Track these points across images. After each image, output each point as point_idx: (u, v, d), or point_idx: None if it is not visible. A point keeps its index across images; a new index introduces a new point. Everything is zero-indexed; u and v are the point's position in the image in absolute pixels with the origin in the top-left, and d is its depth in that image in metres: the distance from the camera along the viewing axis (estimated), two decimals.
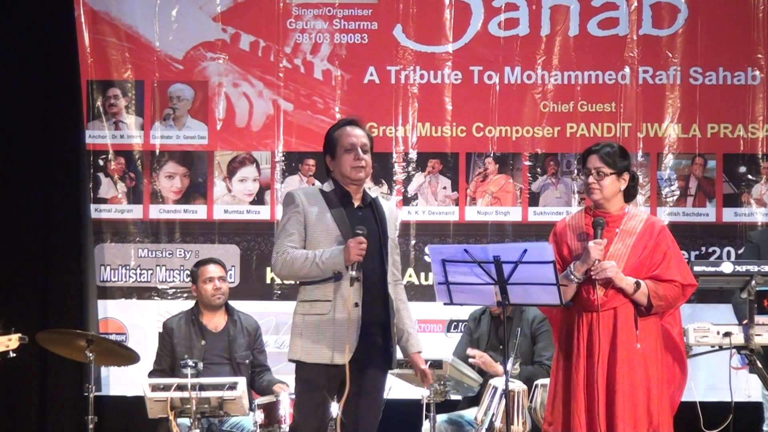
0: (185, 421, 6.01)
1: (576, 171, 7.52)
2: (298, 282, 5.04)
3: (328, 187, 5.05)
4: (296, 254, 4.90)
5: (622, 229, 5.07)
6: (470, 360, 6.37)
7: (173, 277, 7.64)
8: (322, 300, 4.91)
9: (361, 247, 4.79)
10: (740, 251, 7.35)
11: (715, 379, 6.89)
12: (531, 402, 5.92)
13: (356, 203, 5.02)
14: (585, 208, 5.21)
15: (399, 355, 5.15)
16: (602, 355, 4.95)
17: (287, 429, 5.88)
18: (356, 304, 4.85)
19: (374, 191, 5.24)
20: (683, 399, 6.61)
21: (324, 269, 4.85)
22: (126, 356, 6.41)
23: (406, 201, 7.62)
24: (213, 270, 6.72)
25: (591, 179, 5.07)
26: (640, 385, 4.96)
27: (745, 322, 5.43)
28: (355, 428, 4.93)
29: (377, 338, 4.93)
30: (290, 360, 4.98)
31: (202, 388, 5.93)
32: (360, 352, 4.85)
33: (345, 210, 4.97)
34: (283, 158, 7.67)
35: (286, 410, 5.92)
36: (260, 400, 6.18)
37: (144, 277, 7.64)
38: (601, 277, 4.93)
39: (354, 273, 4.80)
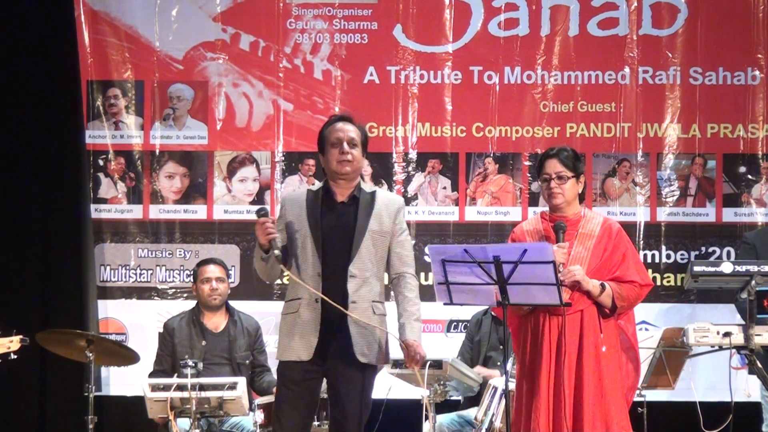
0: (185, 421, 6.02)
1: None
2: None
3: (316, 186, 5.11)
4: (256, 266, 5.05)
5: (581, 232, 5.11)
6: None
7: (173, 277, 7.64)
8: (294, 299, 4.98)
9: (263, 228, 4.87)
10: (739, 251, 7.35)
11: (715, 379, 6.90)
12: None
13: (341, 199, 5.04)
14: (541, 213, 5.25)
15: (401, 354, 5.15)
16: (569, 357, 4.96)
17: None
18: (316, 300, 4.90)
19: (369, 187, 5.21)
20: (683, 399, 6.65)
21: (258, 261, 4.98)
22: (126, 356, 6.41)
23: (406, 201, 7.60)
24: (211, 270, 6.72)
25: (553, 183, 5.09)
26: (606, 386, 4.98)
27: None
28: (332, 426, 4.98)
29: (334, 334, 4.92)
30: (276, 359, 5.09)
31: (202, 388, 5.93)
32: (323, 348, 4.89)
33: (326, 207, 5.01)
34: (283, 158, 7.67)
35: None
36: (260, 400, 6.19)
37: (144, 277, 7.64)
38: (570, 280, 4.94)
39: (277, 251, 4.87)
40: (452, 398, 6.31)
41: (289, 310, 4.99)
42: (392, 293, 5.09)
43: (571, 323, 4.99)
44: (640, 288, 5.09)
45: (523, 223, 5.33)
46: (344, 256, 4.94)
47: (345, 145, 5.01)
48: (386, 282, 5.12)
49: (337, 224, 4.97)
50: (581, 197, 5.22)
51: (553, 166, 5.11)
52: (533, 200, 7.58)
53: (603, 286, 5.01)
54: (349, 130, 5.05)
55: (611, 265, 5.08)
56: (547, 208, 5.25)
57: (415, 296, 5.05)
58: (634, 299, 5.10)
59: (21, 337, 5.80)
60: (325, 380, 5.03)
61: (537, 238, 5.14)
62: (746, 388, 6.26)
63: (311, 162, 7.61)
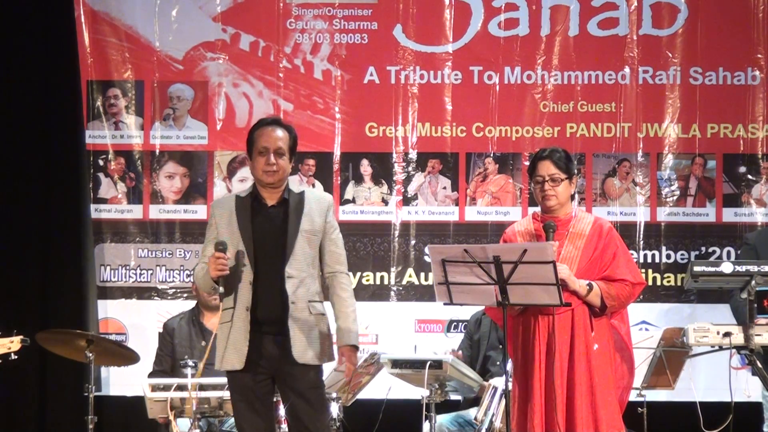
0: (185, 421, 6.02)
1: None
2: None
3: (245, 191, 5.08)
4: (196, 270, 5.06)
5: (572, 231, 5.12)
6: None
7: (173, 277, 7.64)
8: (228, 308, 4.96)
9: (218, 263, 4.82)
10: (740, 251, 7.36)
11: (715, 379, 6.90)
12: None
13: (271, 203, 5.02)
14: (533, 214, 5.27)
15: (400, 354, 5.15)
16: (560, 357, 4.97)
17: (287, 429, 5.88)
18: (247, 308, 4.89)
19: (299, 186, 5.18)
20: (683, 399, 6.65)
21: (206, 286, 4.98)
22: (126, 356, 6.40)
23: (406, 201, 7.62)
24: None
25: (547, 186, 5.10)
26: (597, 384, 4.99)
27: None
28: (297, 423, 4.95)
29: (272, 336, 4.91)
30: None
31: (202, 388, 5.93)
32: (256, 353, 4.88)
33: (255, 212, 4.98)
34: None
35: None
36: None
37: (144, 277, 7.64)
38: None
39: (221, 288, 4.86)
40: (452, 398, 6.32)
41: (223, 319, 4.98)
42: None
43: (561, 322, 5.00)
44: (632, 287, 5.09)
45: (515, 224, 5.34)
46: (279, 258, 4.92)
47: (271, 156, 4.96)
48: None
49: (268, 228, 4.96)
50: (572, 197, 5.24)
51: (546, 168, 5.12)
52: (533, 200, 7.56)
53: (590, 286, 5.02)
54: (278, 138, 4.99)
55: (602, 264, 5.09)
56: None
57: (349, 296, 5.04)
58: (625, 298, 5.10)
59: (21, 337, 5.79)
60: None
61: (528, 239, 5.15)
62: (746, 388, 6.26)
63: (311, 162, 7.61)
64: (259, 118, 7.55)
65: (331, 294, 5.04)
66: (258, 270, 4.91)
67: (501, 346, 6.44)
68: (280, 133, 5.01)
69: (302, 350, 4.90)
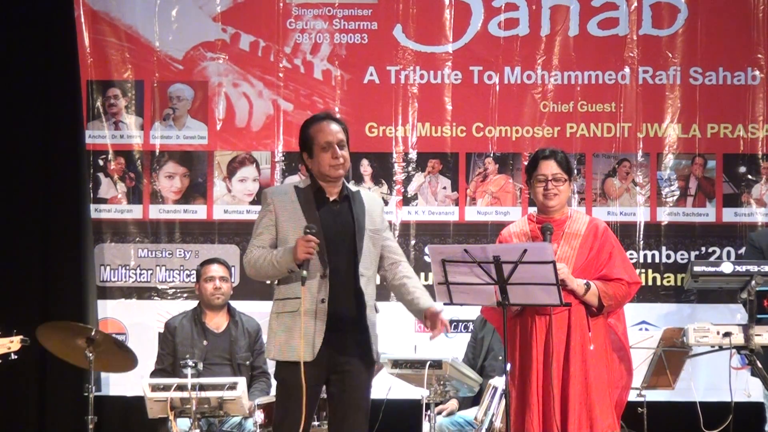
0: (185, 421, 6.02)
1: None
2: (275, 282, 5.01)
3: (303, 183, 5.01)
4: (257, 254, 4.90)
5: (567, 232, 5.12)
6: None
7: (173, 277, 7.64)
8: (292, 297, 4.87)
9: (309, 246, 4.73)
10: (740, 251, 7.36)
11: (715, 379, 6.89)
12: None
13: (332, 197, 4.97)
14: (528, 216, 5.28)
15: (401, 354, 5.15)
16: (557, 356, 4.97)
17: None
18: (323, 300, 4.82)
19: (352, 185, 5.18)
20: (683, 399, 6.65)
21: (279, 268, 4.83)
22: (125, 358, 6.37)
23: (406, 201, 7.62)
24: (215, 269, 6.74)
25: (551, 185, 5.10)
26: (592, 384, 4.99)
27: None
28: (341, 425, 4.90)
29: (349, 334, 4.88)
30: (269, 359, 5.03)
31: (202, 388, 5.93)
32: (331, 348, 4.82)
33: (319, 206, 4.93)
34: (283, 158, 7.67)
35: None
36: (260, 400, 6.19)
37: (144, 277, 7.64)
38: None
39: (305, 272, 4.75)
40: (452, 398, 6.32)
41: (286, 308, 4.88)
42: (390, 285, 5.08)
43: (558, 322, 5.01)
44: (628, 286, 5.10)
45: (510, 226, 5.34)
46: (351, 255, 4.89)
47: (336, 149, 4.91)
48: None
49: (336, 223, 4.92)
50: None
51: (551, 168, 5.13)
52: (533, 200, 7.56)
53: (588, 285, 5.02)
54: (338, 131, 4.94)
55: (598, 264, 5.09)
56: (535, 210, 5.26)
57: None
58: (622, 297, 5.10)
59: (21, 337, 5.79)
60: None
61: (524, 240, 5.15)
62: (746, 388, 6.26)
63: None
64: (260, 117, 7.67)
65: (401, 276, 5.01)
66: (330, 266, 4.84)
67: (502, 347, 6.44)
68: (336, 126, 4.96)
69: (376, 350, 4.92)
